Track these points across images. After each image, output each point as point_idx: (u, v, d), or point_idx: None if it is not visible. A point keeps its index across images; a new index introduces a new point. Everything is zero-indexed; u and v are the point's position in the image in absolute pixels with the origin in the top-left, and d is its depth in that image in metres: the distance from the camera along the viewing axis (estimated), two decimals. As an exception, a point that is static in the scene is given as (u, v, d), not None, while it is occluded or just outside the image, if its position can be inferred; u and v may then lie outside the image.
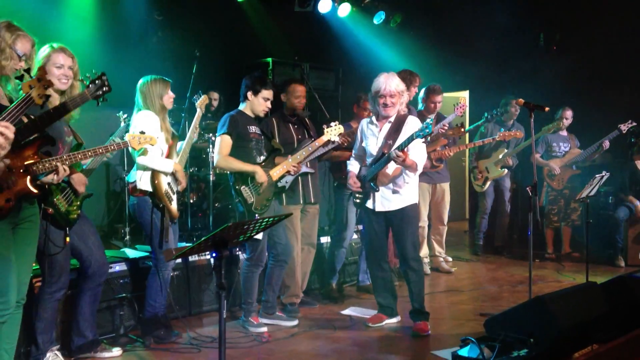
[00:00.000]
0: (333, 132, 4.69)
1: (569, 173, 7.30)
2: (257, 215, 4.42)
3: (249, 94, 4.61)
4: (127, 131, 5.20)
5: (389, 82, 4.38)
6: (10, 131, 2.50)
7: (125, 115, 5.35)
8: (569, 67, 7.88)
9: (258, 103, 4.60)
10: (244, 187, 4.49)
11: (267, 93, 4.61)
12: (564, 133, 7.38)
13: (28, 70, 2.69)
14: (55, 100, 3.34)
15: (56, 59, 3.42)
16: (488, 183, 7.27)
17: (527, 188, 4.57)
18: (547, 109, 4.77)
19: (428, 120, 4.19)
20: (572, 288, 4.13)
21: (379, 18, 8.55)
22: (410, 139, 4.22)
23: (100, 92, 2.98)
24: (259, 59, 7.74)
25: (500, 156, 7.09)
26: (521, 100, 4.77)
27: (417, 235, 4.68)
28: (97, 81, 2.97)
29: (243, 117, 4.61)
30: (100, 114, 5.56)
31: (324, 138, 4.69)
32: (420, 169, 4.47)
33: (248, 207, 4.48)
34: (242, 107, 4.69)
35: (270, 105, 4.68)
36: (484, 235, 7.63)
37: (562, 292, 3.94)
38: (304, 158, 4.67)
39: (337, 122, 4.77)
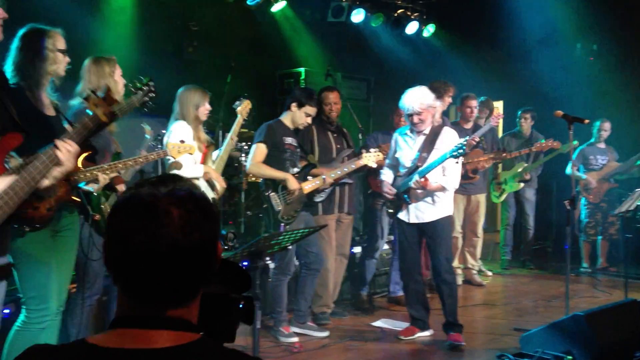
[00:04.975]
0: (371, 158, 4.74)
1: (607, 186, 7.14)
2: (282, 224, 4.44)
3: (294, 105, 4.62)
4: (154, 142, 5.28)
5: (412, 102, 4.33)
6: (74, 150, 2.54)
7: (149, 127, 5.38)
8: (606, 77, 7.73)
9: (300, 116, 4.62)
10: (273, 193, 4.52)
11: (311, 109, 4.62)
12: (602, 145, 7.23)
13: (94, 91, 2.75)
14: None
15: (119, 69, 3.56)
16: (504, 195, 7.11)
17: (565, 202, 4.47)
18: (586, 121, 4.67)
19: (462, 141, 4.17)
20: (612, 304, 4.03)
21: (411, 28, 8.52)
22: (443, 158, 4.21)
23: (147, 98, 3.01)
24: (292, 69, 7.78)
25: (520, 170, 6.93)
26: (560, 112, 4.66)
27: (450, 248, 4.63)
28: (144, 87, 3.00)
29: (280, 128, 4.64)
30: (129, 122, 5.64)
31: (361, 162, 4.74)
32: (453, 187, 4.45)
33: (275, 215, 4.50)
34: (282, 116, 4.72)
35: (310, 121, 4.71)
36: (510, 249, 7.50)
37: (601, 308, 3.86)
38: (339, 177, 4.74)
39: (377, 150, 4.83)
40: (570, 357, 3.40)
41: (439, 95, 5.70)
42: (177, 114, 4.22)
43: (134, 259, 1.10)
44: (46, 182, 2.53)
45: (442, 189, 4.39)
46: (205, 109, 4.24)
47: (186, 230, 1.10)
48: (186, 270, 1.11)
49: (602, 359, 3.41)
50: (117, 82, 3.53)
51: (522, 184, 7.07)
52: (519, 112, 7.27)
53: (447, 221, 4.52)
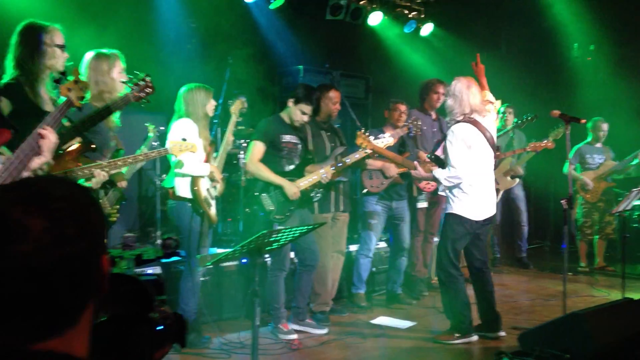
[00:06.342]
0: (385, 141, 4.83)
1: (604, 185, 7.16)
2: (276, 224, 4.42)
3: (291, 100, 4.63)
4: (157, 140, 5.25)
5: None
6: (53, 136, 2.51)
7: (154, 126, 5.35)
8: (603, 77, 7.76)
9: (294, 112, 4.61)
10: (264, 195, 4.49)
11: (306, 107, 4.59)
12: (598, 144, 7.25)
13: (64, 73, 2.71)
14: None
15: (120, 65, 3.50)
16: (500, 194, 7.08)
17: (562, 201, 4.48)
18: (583, 121, 4.70)
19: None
20: (609, 304, 4.05)
21: (409, 27, 8.52)
22: None
23: (144, 94, 2.99)
24: (290, 66, 7.77)
25: (509, 165, 6.92)
26: (557, 112, 4.67)
27: (449, 247, 4.53)
28: (140, 82, 2.98)
29: (278, 124, 4.64)
30: (132, 120, 5.64)
31: (380, 143, 4.78)
32: (444, 179, 4.39)
33: (267, 216, 4.49)
34: (282, 112, 4.73)
35: (306, 119, 4.68)
36: (499, 248, 7.50)
37: (599, 307, 3.87)
38: (341, 169, 4.70)
39: (390, 134, 4.94)
40: (568, 356, 3.41)
41: (425, 93, 5.76)
42: (183, 114, 4.15)
43: None
44: (25, 174, 2.49)
45: (435, 179, 4.51)
46: (211, 105, 4.23)
47: (46, 245, 0.88)
48: (49, 295, 0.89)
49: (599, 358, 3.42)
50: (114, 79, 3.44)
51: (516, 180, 7.04)
52: (504, 107, 7.15)
53: (449, 219, 4.47)
